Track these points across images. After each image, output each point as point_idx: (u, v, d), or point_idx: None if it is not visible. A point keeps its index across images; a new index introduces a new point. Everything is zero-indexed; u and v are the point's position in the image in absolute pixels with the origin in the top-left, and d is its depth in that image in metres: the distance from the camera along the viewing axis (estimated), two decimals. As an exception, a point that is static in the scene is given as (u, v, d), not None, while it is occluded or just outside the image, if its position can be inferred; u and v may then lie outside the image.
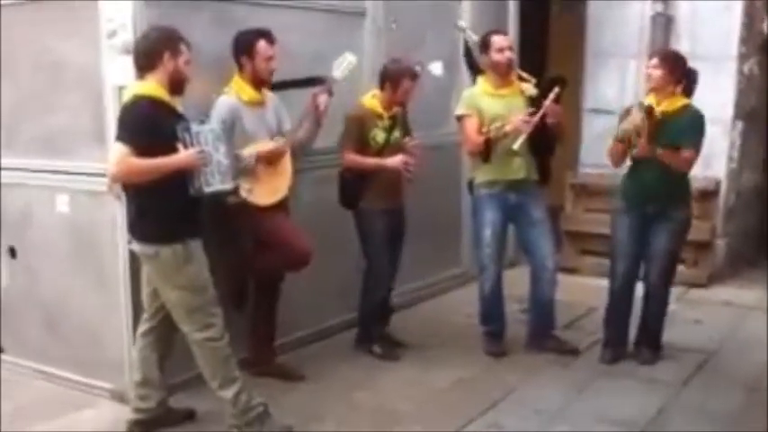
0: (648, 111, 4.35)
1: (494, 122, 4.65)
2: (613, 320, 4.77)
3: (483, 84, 4.84)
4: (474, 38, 5.37)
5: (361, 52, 5.12)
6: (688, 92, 4.53)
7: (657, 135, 4.35)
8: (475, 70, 5.23)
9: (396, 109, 4.72)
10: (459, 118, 4.84)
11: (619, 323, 4.76)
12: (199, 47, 3.81)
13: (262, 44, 4.17)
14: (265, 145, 4.21)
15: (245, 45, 4.18)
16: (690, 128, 4.46)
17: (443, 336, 5.13)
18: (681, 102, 4.49)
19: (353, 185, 4.69)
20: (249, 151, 4.12)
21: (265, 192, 4.21)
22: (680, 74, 4.47)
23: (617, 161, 4.60)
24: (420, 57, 5.70)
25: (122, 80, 3.86)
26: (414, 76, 4.70)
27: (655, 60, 4.46)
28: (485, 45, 4.80)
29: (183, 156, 3.49)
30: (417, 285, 5.23)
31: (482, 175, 4.81)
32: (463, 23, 5.78)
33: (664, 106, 4.42)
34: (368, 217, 4.74)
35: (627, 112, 4.47)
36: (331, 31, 5.01)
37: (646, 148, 4.33)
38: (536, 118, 4.56)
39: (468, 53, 5.51)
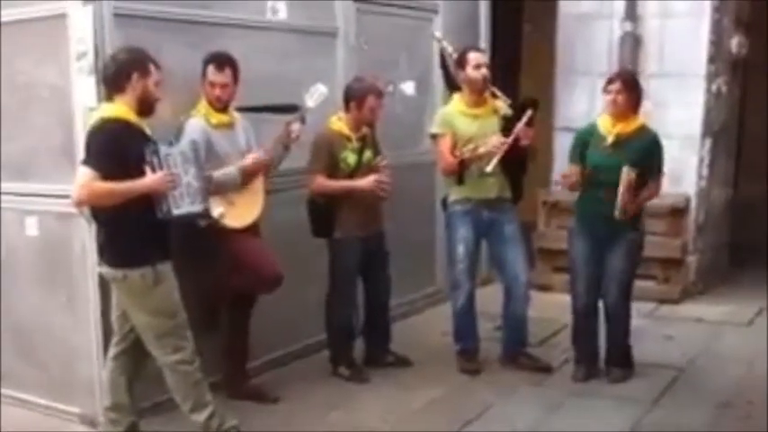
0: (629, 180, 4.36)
1: (468, 143, 4.67)
2: (580, 339, 4.80)
3: (458, 102, 4.87)
4: (450, 49, 5.41)
5: (333, 72, 5.15)
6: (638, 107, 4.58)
7: (618, 157, 4.38)
8: (450, 82, 5.26)
9: (364, 130, 4.71)
10: (434, 136, 4.87)
11: (586, 341, 4.78)
12: (168, 68, 3.80)
13: (210, 69, 4.15)
14: (248, 159, 4.20)
15: (202, 68, 4.17)
16: (651, 153, 4.52)
17: (418, 354, 5.11)
18: (636, 122, 4.53)
19: (326, 212, 4.66)
20: (226, 170, 4.11)
21: (238, 215, 4.20)
22: (639, 95, 4.53)
23: (573, 189, 4.64)
24: (393, 76, 5.76)
25: (92, 102, 3.85)
26: (379, 93, 4.69)
27: (618, 85, 4.46)
28: (461, 61, 4.83)
29: (149, 179, 3.46)
30: (392, 304, 5.23)
31: (455, 193, 4.83)
32: (439, 34, 5.83)
33: (619, 128, 4.46)
34: (343, 246, 4.70)
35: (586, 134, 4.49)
36: (303, 50, 5.02)
37: (632, 207, 4.37)
38: (509, 141, 4.59)
39: (444, 64, 5.55)
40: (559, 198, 6.72)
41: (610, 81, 4.53)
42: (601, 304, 4.74)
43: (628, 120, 4.48)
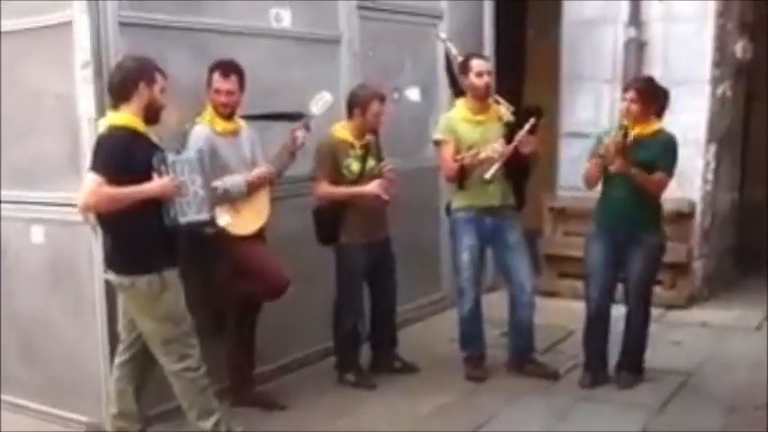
0: (624, 132, 4.37)
1: (471, 149, 4.67)
2: (591, 344, 4.77)
3: (461, 108, 4.86)
4: (454, 51, 5.41)
5: (337, 79, 5.16)
6: (660, 112, 4.58)
7: (631, 156, 4.38)
8: (455, 85, 5.26)
9: (368, 137, 4.71)
10: (437, 143, 4.88)
11: (597, 347, 4.76)
12: (173, 76, 3.80)
13: (215, 76, 4.16)
14: (255, 172, 4.21)
15: (208, 76, 4.19)
16: (663, 152, 4.51)
17: (425, 361, 5.11)
18: (654, 126, 4.54)
19: (331, 219, 4.65)
20: (233, 180, 4.12)
21: (244, 222, 4.20)
22: (658, 102, 4.53)
23: (592, 180, 4.60)
24: (397, 83, 5.77)
25: (91, 111, 3.86)
26: (382, 99, 4.69)
27: (632, 93, 4.46)
28: (464, 67, 4.82)
29: (156, 183, 3.48)
30: (398, 310, 5.22)
31: (458, 200, 4.84)
32: (444, 35, 5.83)
33: (638, 130, 4.46)
34: (349, 253, 4.70)
35: (605, 135, 4.51)
36: (307, 58, 5.03)
37: (623, 163, 4.34)
38: (510, 148, 4.59)
39: (449, 66, 5.55)
40: (565, 204, 6.73)
41: (625, 89, 4.57)
42: (618, 309, 4.72)
43: (645, 123, 4.49)
